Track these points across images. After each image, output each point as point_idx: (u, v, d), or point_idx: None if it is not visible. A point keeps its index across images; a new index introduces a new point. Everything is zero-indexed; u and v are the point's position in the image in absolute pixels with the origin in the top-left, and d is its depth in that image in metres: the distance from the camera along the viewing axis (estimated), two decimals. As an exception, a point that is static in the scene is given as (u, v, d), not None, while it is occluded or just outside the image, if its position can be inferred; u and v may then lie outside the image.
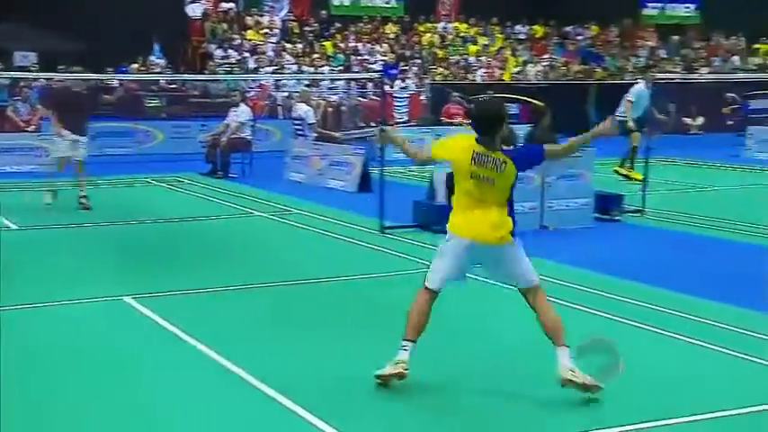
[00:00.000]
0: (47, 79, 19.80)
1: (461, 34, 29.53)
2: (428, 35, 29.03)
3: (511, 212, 5.17)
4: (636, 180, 13.45)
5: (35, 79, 19.55)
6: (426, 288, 5.31)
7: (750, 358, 5.84)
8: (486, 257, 5.21)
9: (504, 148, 5.17)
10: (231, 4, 27.27)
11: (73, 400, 5.11)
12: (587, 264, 8.56)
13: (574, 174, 10.87)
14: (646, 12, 31.50)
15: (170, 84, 22.24)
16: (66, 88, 13.07)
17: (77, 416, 4.91)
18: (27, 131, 17.10)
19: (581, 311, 6.98)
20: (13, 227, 10.74)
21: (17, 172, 15.78)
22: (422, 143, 19.57)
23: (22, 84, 18.84)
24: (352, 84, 23.56)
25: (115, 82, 21.34)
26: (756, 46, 30.16)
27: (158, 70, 22.96)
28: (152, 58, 23.65)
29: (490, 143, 5.08)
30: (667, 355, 6.03)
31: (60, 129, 12.10)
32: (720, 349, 6.03)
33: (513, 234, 5.14)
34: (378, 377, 5.18)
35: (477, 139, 5.12)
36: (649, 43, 30.21)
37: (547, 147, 5.45)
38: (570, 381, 4.98)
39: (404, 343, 5.21)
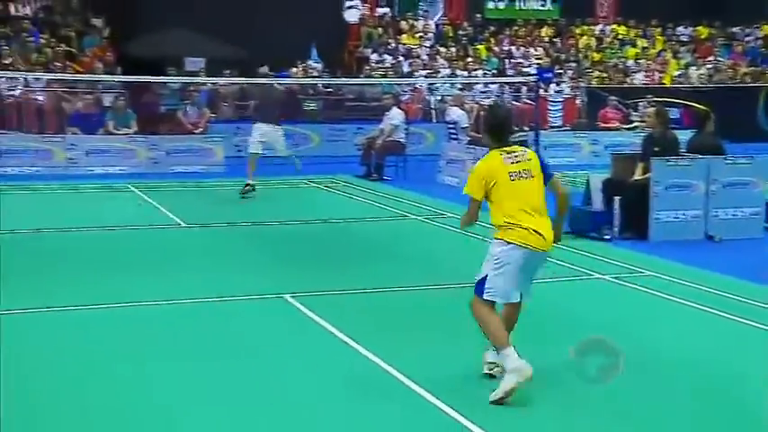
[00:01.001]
0: (213, 84, 20.84)
1: (619, 36, 28.71)
2: (584, 38, 28.41)
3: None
4: None
5: (204, 83, 20.54)
6: (485, 300, 5.25)
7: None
8: (538, 264, 5.27)
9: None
10: (387, 9, 27.69)
11: (225, 393, 5.31)
12: (756, 277, 8.13)
13: (743, 181, 10.34)
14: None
15: (327, 87, 22.83)
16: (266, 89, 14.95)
17: (229, 409, 5.09)
18: (195, 134, 17.96)
19: (749, 326, 6.63)
20: (182, 224, 11.32)
21: (185, 172, 16.63)
22: (578, 148, 19.38)
23: (191, 88, 19.83)
24: (506, 87, 23.38)
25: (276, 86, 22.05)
26: None
27: (316, 74, 23.58)
28: (310, 62, 24.33)
29: (507, 144, 5.30)
30: None
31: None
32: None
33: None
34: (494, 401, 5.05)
35: (497, 148, 5.28)
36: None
37: (555, 177, 5.42)
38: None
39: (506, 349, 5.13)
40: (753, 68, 26.74)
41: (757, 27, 28.87)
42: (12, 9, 22.77)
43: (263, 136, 13.84)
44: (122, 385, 5.35)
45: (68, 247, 9.85)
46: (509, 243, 5.12)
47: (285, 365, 5.80)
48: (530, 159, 5.24)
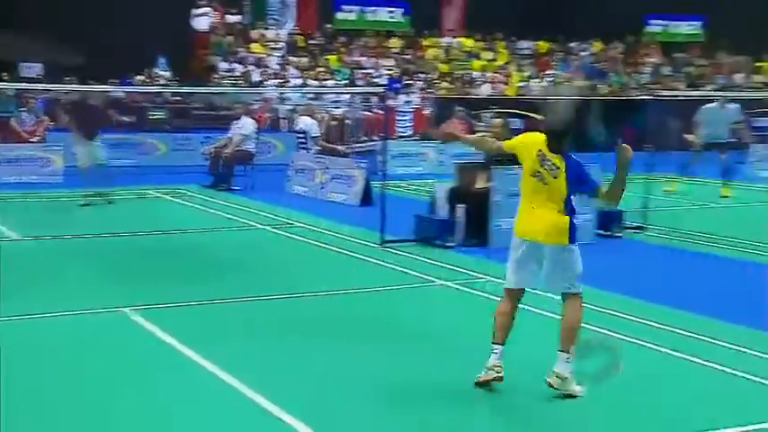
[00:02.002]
0: (50, 90, 19.94)
1: (466, 49, 29.61)
2: (432, 50, 29.11)
3: (569, 214, 5.35)
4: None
5: (42, 90, 19.63)
6: (504, 288, 5.57)
7: (749, 377, 5.81)
8: (541, 256, 5.39)
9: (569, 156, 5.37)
10: (238, 18, 27.39)
11: (68, 412, 5.10)
12: (587, 279, 8.52)
13: (576, 190, 10.83)
14: (649, 29, 31.58)
15: (174, 96, 22.31)
16: (84, 99, 14.27)
17: (72, 429, 4.90)
18: (31, 142, 17.13)
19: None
20: (15, 237, 10.77)
21: (20, 182, 15.82)
22: (425, 157, 19.79)
23: (27, 94, 18.91)
24: (356, 97, 23.61)
25: (120, 93, 21.37)
26: (759, 64, 30.25)
27: (163, 82, 23.03)
28: (156, 70, 23.73)
29: (555, 147, 5.35)
30: (665, 372, 6.01)
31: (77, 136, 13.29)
32: (719, 367, 6.01)
33: (571, 239, 5.33)
34: (477, 383, 5.38)
35: (545, 140, 5.39)
36: (653, 60, 30.27)
37: (602, 187, 5.47)
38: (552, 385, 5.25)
39: (493, 346, 5.43)
40: (587, 82, 28.19)
41: (590, 43, 30.50)
42: None
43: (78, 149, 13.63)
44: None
45: None
46: (515, 236, 5.49)
47: (122, 380, 5.62)
48: (556, 178, 5.32)
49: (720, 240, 11.05)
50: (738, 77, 29.16)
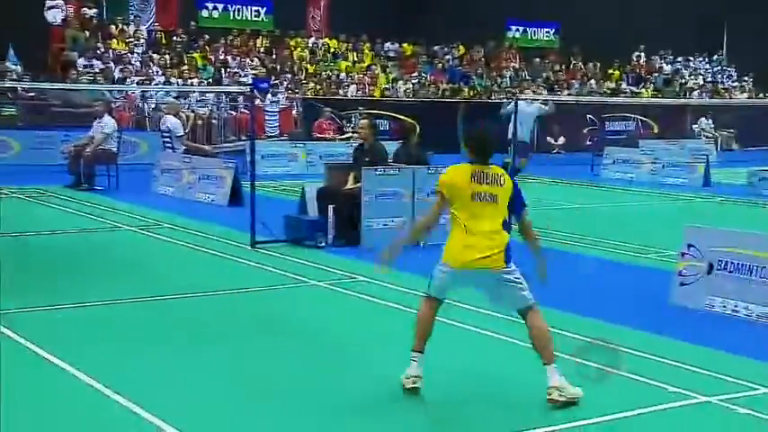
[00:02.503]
0: None
1: (331, 50, 29.73)
2: (298, 50, 29.08)
3: (508, 231, 5.32)
4: None
5: None
6: (428, 296, 5.47)
7: (609, 369, 6.12)
8: (483, 282, 5.35)
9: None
10: (94, 11, 26.40)
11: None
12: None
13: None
14: (510, 34, 32.69)
15: (28, 92, 21.30)
16: None
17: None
18: None
19: (449, 326, 7.17)
20: None
21: None
22: (294, 158, 19.79)
23: None
24: (223, 97, 23.29)
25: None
26: (610, 71, 31.95)
27: (14, 77, 21.94)
28: (7, 63, 22.59)
29: (486, 163, 5.34)
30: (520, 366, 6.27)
31: None
32: (569, 357, 6.27)
33: (508, 259, 5.27)
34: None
35: (472, 162, 5.34)
36: (513, 65, 31.35)
37: (525, 213, 5.52)
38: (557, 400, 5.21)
39: (413, 354, 5.39)
40: (451, 85, 28.91)
41: (454, 47, 31.27)
42: None
43: None
44: None
45: None
46: (443, 261, 5.31)
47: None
48: (502, 185, 5.29)
49: (580, 239, 11.59)
50: (592, 83, 30.66)
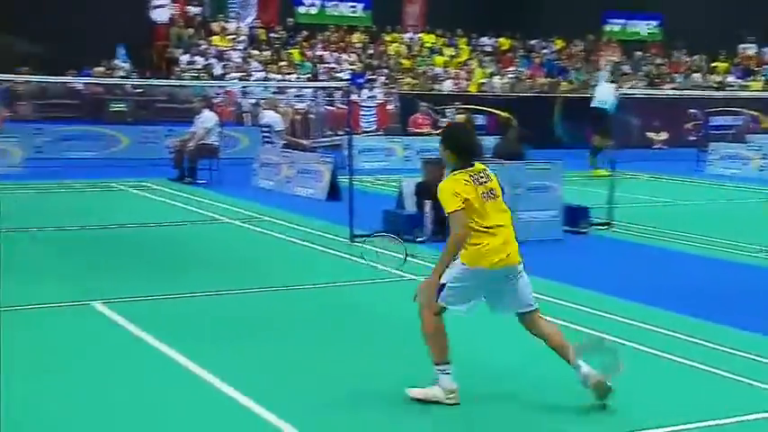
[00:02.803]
0: (7, 81, 19.56)
1: (428, 45, 29.69)
2: (395, 45, 29.14)
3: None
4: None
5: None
6: (441, 306, 5.15)
7: (714, 371, 5.92)
8: (507, 282, 5.14)
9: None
10: (198, 9, 27.11)
11: (36, 405, 5.06)
12: (554, 275, 8.66)
13: (544, 185, 10.97)
14: (608, 27, 31.98)
15: (136, 88, 22.04)
16: None
17: (40, 421, 4.85)
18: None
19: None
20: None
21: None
22: (391, 152, 19.86)
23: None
24: (320, 92, 23.56)
25: (80, 85, 21.08)
26: (715, 64, 30.83)
27: (123, 74, 22.73)
28: (116, 61, 23.41)
29: (470, 164, 5.13)
30: (631, 367, 6.10)
31: None
32: (684, 361, 6.11)
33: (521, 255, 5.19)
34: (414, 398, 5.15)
35: (462, 168, 5.09)
36: (613, 58, 30.64)
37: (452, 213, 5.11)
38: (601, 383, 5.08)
39: (445, 367, 5.14)
40: (549, 79, 28.47)
41: (552, 41, 30.80)
42: None
43: None
44: None
45: None
46: (471, 268, 5.03)
47: (92, 373, 5.58)
48: (492, 179, 5.14)
49: (687, 237, 11.23)
50: (696, 76, 29.69)
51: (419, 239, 10.40)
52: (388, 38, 29.45)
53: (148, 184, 15.29)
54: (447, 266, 5.06)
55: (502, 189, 5.24)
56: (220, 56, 25.19)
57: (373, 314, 7.37)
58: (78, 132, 18.90)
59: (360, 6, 30.13)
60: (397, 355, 6.16)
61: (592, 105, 18.18)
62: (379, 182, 15.95)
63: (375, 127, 23.36)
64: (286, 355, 6.09)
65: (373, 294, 8.17)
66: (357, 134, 20.42)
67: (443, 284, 5.09)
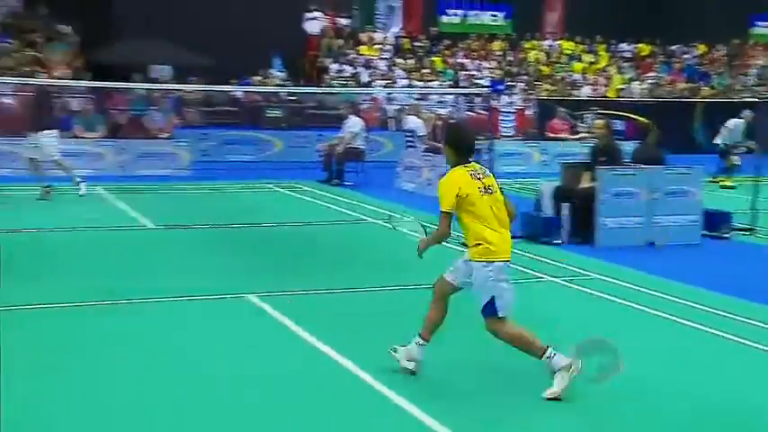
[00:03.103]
0: (178, 90, 20.68)
1: (567, 51, 29.11)
2: (534, 52, 28.76)
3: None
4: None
5: (170, 90, 20.36)
6: (504, 317, 5.24)
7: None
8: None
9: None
10: (347, 21, 27.70)
11: (193, 386, 5.29)
12: (692, 279, 8.33)
13: (683, 190, 10.56)
14: (755, 30, 30.32)
15: (289, 96, 22.77)
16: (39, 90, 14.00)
17: (193, 407, 5.07)
18: (161, 138, 17.78)
19: (686, 326, 6.80)
20: (150, 226, 11.22)
21: (152, 175, 16.46)
22: (529, 157, 19.62)
23: (158, 94, 19.66)
24: (461, 98, 23.55)
25: (240, 93, 21.99)
26: None
27: (278, 82, 23.51)
28: (272, 71, 24.23)
29: (469, 161, 5.29)
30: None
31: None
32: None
33: None
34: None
35: (461, 165, 5.25)
36: (759, 62, 29.05)
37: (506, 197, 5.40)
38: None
39: (547, 352, 5.14)
40: (690, 84, 27.31)
41: (694, 46, 29.52)
42: (-19, 16, 22.38)
43: (33, 144, 12.96)
44: (80, 385, 5.31)
45: (41, 248, 9.70)
46: (491, 262, 5.14)
47: (250, 365, 5.77)
48: (489, 175, 5.30)
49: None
50: None
51: (556, 242, 10.24)
52: (527, 45, 29.10)
53: (300, 186, 15.75)
54: (425, 247, 5.48)
55: (501, 191, 5.32)
56: (367, 64, 25.63)
57: (518, 315, 7.25)
58: (238, 137, 19.71)
59: (501, 15, 29.93)
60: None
61: (714, 142, 18.01)
62: (518, 185, 15.77)
63: (513, 132, 23.13)
64: (437, 352, 6.08)
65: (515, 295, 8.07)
66: (496, 139, 20.27)
67: (493, 299, 5.16)
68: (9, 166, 15.75)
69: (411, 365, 5.44)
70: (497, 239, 5.16)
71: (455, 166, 5.28)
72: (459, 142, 5.34)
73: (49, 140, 12.85)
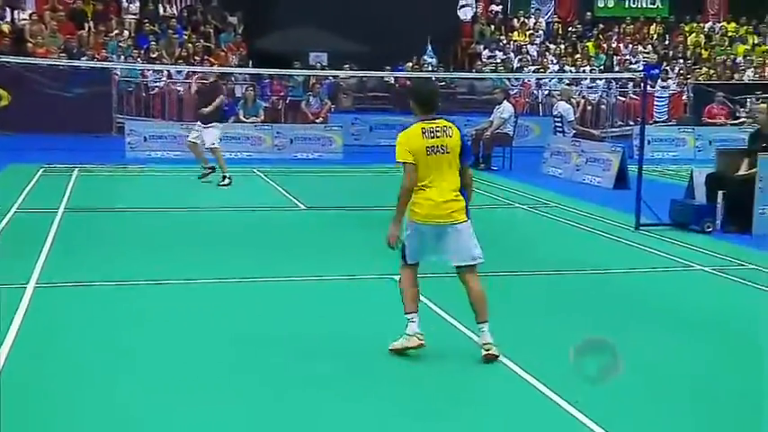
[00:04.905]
0: (334, 77, 21.09)
1: (729, 34, 27.38)
2: (693, 35, 27.24)
3: (464, 194, 5.30)
4: None
5: (326, 77, 20.82)
6: (407, 264, 5.44)
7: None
8: (442, 236, 5.29)
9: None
10: (499, 7, 27.32)
11: (346, 359, 5.35)
12: None
13: None
14: None
15: (439, 81, 22.70)
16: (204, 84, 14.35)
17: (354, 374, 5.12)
18: (316, 123, 18.19)
19: None
20: (302, 207, 11.50)
21: (306, 159, 16.89)
22: (682, 143, 18.65)
23: (313, 80, 20.14)
24: (613, 83, 22.69)
25: (391, 79, 22.14)
26: None
27: (430, 69, 23.49)
28: (424, 57, 24.24)
29: (432, 116, 5.27)
30: None
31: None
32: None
33: (466, 214, 5.30)
34: (391, 350, 5.36)
35: (422, 119, 5.26)
36: None
37: (467, 165, 5.37)
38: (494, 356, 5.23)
39: (410, 316, 5.37)
40: None
41: None
42: (161, 9, 23.68)
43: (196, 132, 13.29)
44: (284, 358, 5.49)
45: (201, 224, 10.16)
46: (413, 223, 5.30)
47: (392, 335, 5.80)
48: (451, 136, 5.24)
49: None
50: None
51: (708, 230, 9.67)
52: (686, 28, 27.63)
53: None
54: (399, 217, 5.32)
55: (465, 149, 5.26)
56: (518, 50, 25.16)
57: (664, 303, 6.91)
58: (389, 122, 19.88)
59: (659, -2, 28.60)
60: (696, 353, 5.70)
61: None
62: (670, 171, 15.02)
63: (667, 117, 22.06)
64: (580, 337, 5.87)
65: (661, 283, 7.71)
66: (648, 124, 19.40)
67: (404, 247, 5.35)
68: (180, 149, 16.61)
69: (416, 341, 5.37)
70: (426, 205, 5.22)
71: (418, 120, 5.30)
72: (418, 95, 5.38)
73: (212, 131, 13.31)
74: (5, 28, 20.81)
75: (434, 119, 5.28)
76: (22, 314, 6.06)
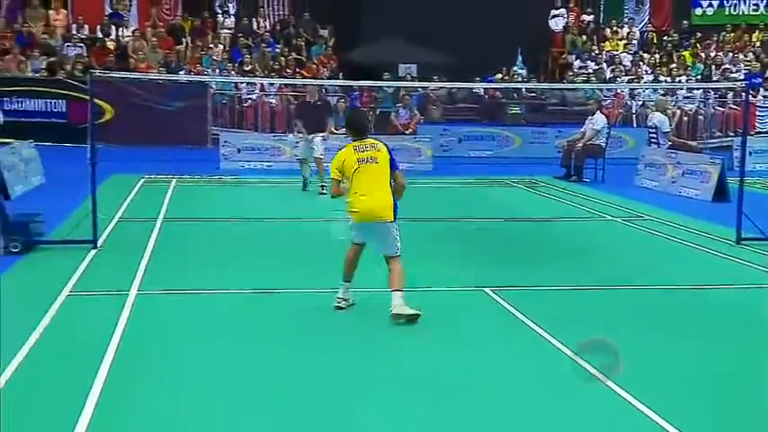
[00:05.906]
0: (423, 88, 21.15)
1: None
2: (798, 42, 26.13)
3: (394, 198, 6.57)
4: None
5: (415, 89, 20.91)
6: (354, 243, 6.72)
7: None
8: (375, 231, 6.56)
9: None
10: (591, 17, 26.88)
11: (439, 379, 5.37)
12: None
13: None
14: None
15: (530, 92, 22.49)
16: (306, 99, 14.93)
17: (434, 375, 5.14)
18: (405, 134, 18.26)
19: None
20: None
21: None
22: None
23: (403, 92, 20.25)
24: (710, 93, 21.97)
25: (481, 90, 22.07)
26: None
27: (520, 80, 23.29)
28: (514, 68, 24.07)
29: (362, 138, 6.66)
30: None
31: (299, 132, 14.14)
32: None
33: (394, 215, 6.54)
34: (338, 307, 6.64)
35: (355, 140, 6.65)
36: None
37: (400, 171, 6.72)
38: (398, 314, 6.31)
39: (344, 284, 6.72)
40: None
41: None
42: (254, 24, 24.31)
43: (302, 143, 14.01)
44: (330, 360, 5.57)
45: (298, 233, 10.35)
46: (353, 221, 6.62)
47: (490, 355, 5.81)
48: (379, 150, 6.56)
49: None
50: None
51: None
52: (791, 35, 26.52)
53: (537, 181, 15.51)
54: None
55: (392, 159, 6.57)
56: (611, 60, 24.68)
57: (761, 322, 6.67)
58: (478, 133, 19.83)
59: (762, 4, 27.52)
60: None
61: None
62: (769, 183, 14.47)
63: (771, 128, 21.21)
64: (678, 356, 5.76)
65: (758, 299, 7.43)
66: (750, 135, 18.71)
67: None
68: (272, 160, 16.97)
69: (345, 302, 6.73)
70: (362, 205, 6.49)
71: (350, 141, 6.69)
72: (352, 124, 6.89)
73: (320, 141, 13.81)
74: (111, 45, 21.76)
75: (363, 139, 6.64)
76: (125, 320, 6.31)
